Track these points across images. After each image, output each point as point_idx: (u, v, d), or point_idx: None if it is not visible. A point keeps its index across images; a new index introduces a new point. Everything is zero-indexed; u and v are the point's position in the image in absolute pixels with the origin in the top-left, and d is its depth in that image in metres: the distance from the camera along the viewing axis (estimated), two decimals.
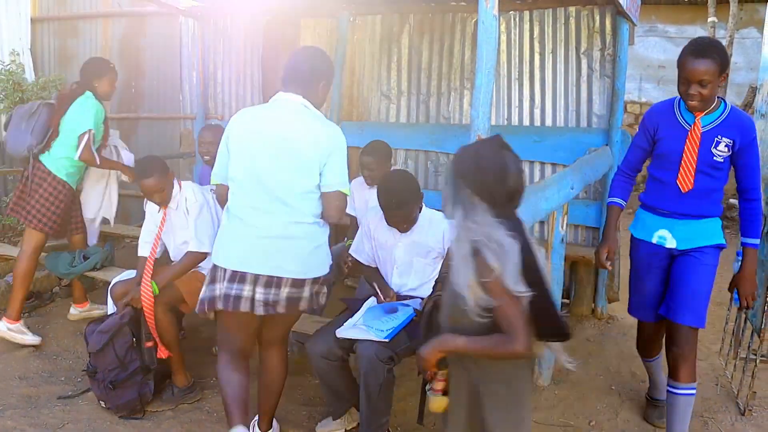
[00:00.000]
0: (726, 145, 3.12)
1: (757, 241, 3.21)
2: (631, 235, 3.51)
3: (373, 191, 3.68)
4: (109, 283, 4.14)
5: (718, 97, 3.16)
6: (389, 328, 3.20)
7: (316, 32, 6.04)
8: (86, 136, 4.52)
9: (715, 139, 3.13)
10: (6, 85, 7.02)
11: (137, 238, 4.22)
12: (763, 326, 3.84)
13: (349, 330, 3.29)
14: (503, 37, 5.30)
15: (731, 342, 4.47)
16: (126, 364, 3.72)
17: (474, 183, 2.13)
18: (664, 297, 3.37)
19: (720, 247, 3.30)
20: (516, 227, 2.15)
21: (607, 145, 4.97)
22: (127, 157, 5.09)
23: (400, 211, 3.36)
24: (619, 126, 5.01)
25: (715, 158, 3.14)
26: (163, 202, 3.92)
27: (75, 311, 5.12)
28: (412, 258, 3.52)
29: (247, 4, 6.04)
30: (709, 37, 4.25)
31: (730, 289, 3.41)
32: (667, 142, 3.26)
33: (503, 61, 5.33)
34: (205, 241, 3.82)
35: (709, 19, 9.57)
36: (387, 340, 3.16)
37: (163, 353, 3.78)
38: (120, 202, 5.32)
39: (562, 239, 3.95)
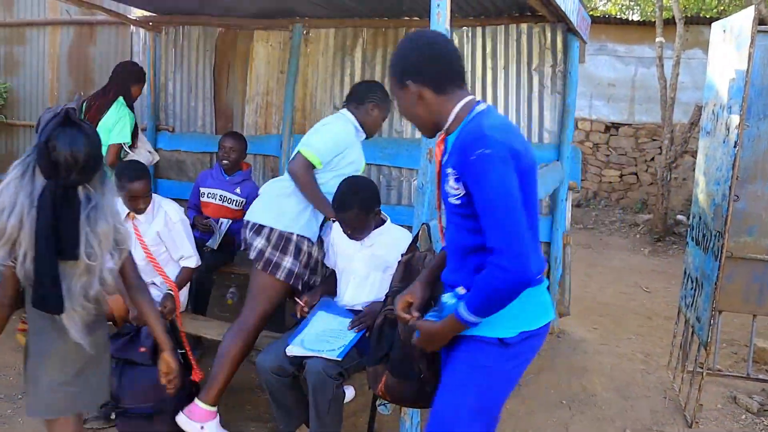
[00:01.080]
0: (455, 180, 2.09)
1: (469, 318, 2.02)
2: None
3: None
4: None
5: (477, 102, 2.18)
6: (340, 346, 3.17)
7: (269, 44, 5.99)
8: (116, 147, 4.84)
9: (446, 171, 2.16)
10: None
11: None
12: (709, 340, 3.90)
13: (298, 348, 3.24)
14: None
15: (679, 355, 4.54)
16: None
17: None
18: None
19: (493, 342, 2.11)
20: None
21: (558, 160, 5.02)
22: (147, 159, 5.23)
23: (344, 213, 3.29)
24: (570, 141, 5.07)
25: (449, 200, 2.16)
26: (143, 210, 3.84)
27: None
28: (369, 271, 3.46)
29: (200, 16, 5.97)
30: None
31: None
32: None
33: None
34: (196, 254, 4.01)
35: (657, 39, 9.78)
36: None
37: (196, 375, 3.59)
38: None
39: None
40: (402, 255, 2.76)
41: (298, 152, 3.58)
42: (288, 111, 5.80)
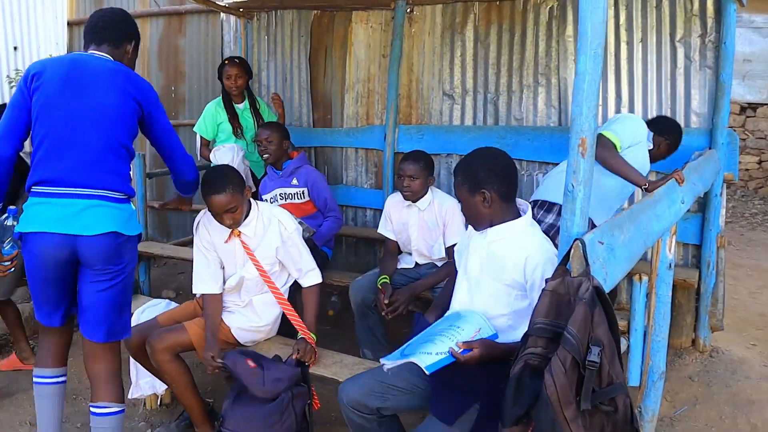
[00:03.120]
0: None
1: None
2: None
3: (413, 210, 3.96)
4: None
5: None
6: (439, 352, 2.42)
7: (370, 25, 5.46)
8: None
9: None
10: None
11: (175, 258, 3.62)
12: None
13: (394, 360, 2.54)
14: None
15: None
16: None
17: None
18: None
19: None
20: None
21: (711, 148, 4.24)
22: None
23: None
24: (725, 125, 4.27)
25: None
26: (236, 225, 3.24)
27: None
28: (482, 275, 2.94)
29: None
30: None
31: None
32: None
33: None
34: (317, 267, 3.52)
35: None
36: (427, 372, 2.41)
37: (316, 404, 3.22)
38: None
39: (670, 265, 3.22)
40: (546, 280, 2.11)
41: (600, 134, 3.50)
42: (392, 99, 5.30)
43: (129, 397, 3.70)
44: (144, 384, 3.71)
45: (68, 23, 7.31)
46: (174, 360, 3.21)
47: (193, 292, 3.40)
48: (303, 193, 4.41)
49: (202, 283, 3.35)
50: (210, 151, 5.06)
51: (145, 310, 3.72)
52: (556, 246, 2.54)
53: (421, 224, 3.95)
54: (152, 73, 6.87)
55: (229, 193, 3.09)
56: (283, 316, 3.42)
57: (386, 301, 3.70)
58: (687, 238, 4.46)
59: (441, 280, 3.79)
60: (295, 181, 4.42)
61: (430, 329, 2.60)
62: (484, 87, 5.07)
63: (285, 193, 4.43)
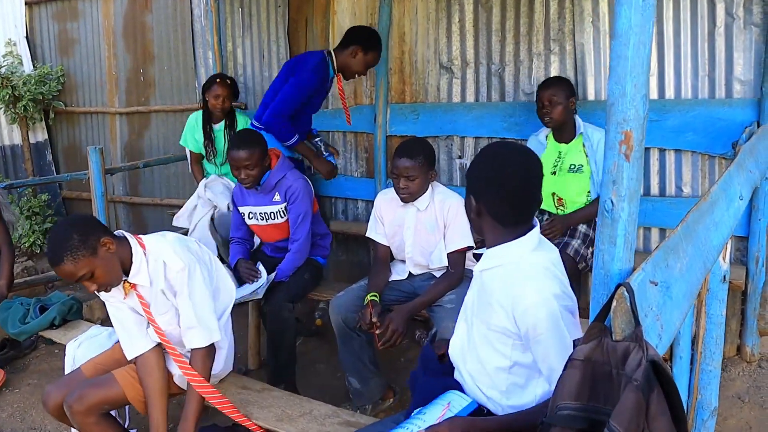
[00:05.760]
0: None
1: None
2: None
3: (410, 210, 3.34)
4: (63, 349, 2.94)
5: None
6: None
7: None
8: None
9: None
10: None
11: None
12: None
13: None
14: None
15: None
16: None
17: None
18: None
19: None
20: None
21: (759, 122, 3.61)
22: None
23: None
24: None
25: None
26: (107, 285, 2.58)
27: None
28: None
29: None
30: None
31: None
32: None
33: (603, 11, 4.02)
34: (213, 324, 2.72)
35: None
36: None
37: None
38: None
39: (724, 277, 2.55)
40: (574, 342, 1.45)
41: None
42: (381, 74, 4.77)
43: None
44: None
45: (26, 3, 6.72)
46: (100, 421, 2.61)
47: (128, 359, 2.73)
48: (284, 210, 3.70)
49: (132, 345, 2.70)
50: (201, 173, 4.74)
51: (81, 344, 3.06)
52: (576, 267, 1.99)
53: (417, 227, 3.29)
54: (119, 54, 6.23)
55: (70, 261, 2.42)
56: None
57: (375, 320, 3.08)
58: (735, 230, 3.82)
59: (441, 295, 3.15)
60: (277, 197, 3.66)
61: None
62: (488, 57, 4.48)
63: (265, 213, 3.71)
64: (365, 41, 4.04)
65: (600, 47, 4.03)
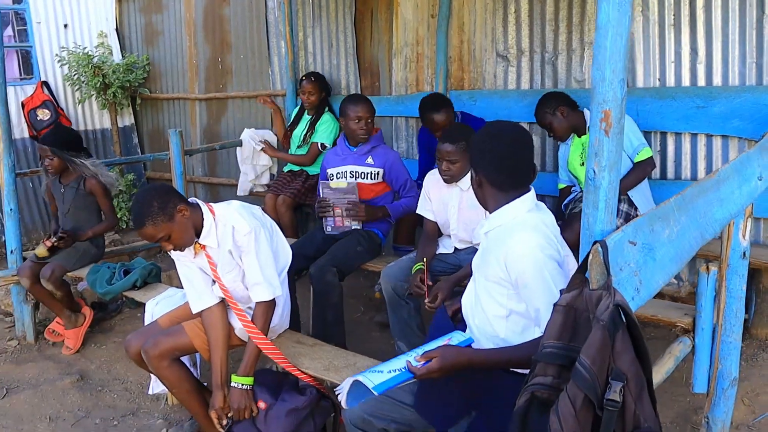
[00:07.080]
0: None
1: None
2: None
3: (454, 190, 3.48)
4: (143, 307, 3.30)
5: None
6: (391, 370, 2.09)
7: None
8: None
9: None
10: (86, 69, 6.46)
11: None
12: None
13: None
14: None
15: None
16: None
17: None
18: None
19: None
20: None
21: None
22: None
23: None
24: None
25: None
26: (182, 247, 2.87)
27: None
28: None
29: None
30: None
31: None
32: None
33: (653, 1, 4.08)
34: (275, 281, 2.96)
35: None
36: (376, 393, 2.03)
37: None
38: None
39: (744, 253, 2.69)
40: (560, 291, 1.68)
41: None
42: (441, 63, 4.93)
43: (150, 392, 3.49)
44: None
45: None
46: (172, 365, 2.92)
47: (193, 312, 3.00)
48: (378, 173, 4.08)
49: (199, 299, 2.97)
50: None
51: (159, 303, 3.43)
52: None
53: (461, 205, 3.51)
54: (199, 45, 6.60)
55: (150, 225, 2.71)
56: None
57: (430, 283, 3.30)
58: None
59: None
60: (370, 160, 4.08)
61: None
62: (542, 46, 4.58)
63: (357, 172, 4.09)
64: None
65: (649, 36, 4.08)
